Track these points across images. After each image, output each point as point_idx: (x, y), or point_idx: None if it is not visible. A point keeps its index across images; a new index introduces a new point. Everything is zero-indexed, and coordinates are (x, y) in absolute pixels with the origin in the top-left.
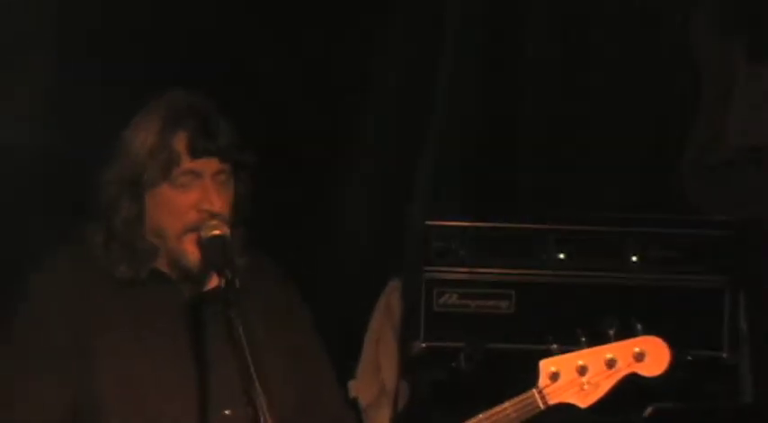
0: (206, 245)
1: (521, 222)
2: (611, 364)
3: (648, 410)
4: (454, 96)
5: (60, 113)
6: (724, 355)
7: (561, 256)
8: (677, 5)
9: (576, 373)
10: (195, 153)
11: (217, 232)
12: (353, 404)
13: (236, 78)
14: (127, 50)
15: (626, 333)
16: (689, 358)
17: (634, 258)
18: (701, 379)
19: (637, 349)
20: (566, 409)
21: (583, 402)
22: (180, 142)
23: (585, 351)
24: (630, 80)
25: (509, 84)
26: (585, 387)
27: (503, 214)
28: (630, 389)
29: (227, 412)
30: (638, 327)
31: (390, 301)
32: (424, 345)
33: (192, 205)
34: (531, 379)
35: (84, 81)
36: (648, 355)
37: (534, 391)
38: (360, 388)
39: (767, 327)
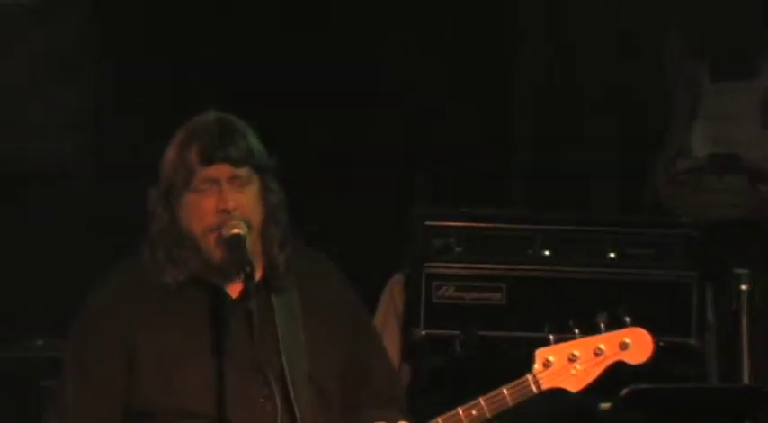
0: (225, 243)
1: (511, 223)
2: (598, 352)
3: (624, 391)
4: (453, 111)
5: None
6: (692, 341)
7: (547, 253)
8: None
9: (567, 361)
10: (205, 161)
11: (234, 231)
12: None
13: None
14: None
15: (615, 325)
16: (661, 344)
17: (612, 255)
18: (672, 362)
19: (623, 340)
20: (557, 393)
21: (573, 387)
22: (194, 154)
23: (576, 341)
24: (611, 100)
25: (505, 102)
26: (576, 373)
27: (494, 216)
28: (607, 370)
29: (261, 400)
30: (627, 320)
31: (394, 292)
32: (423, 332)
33: (211, 208)
34: (519, 362)
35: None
36: (633, 345)
37: (529, 376)
38: None
39: (730, 316)
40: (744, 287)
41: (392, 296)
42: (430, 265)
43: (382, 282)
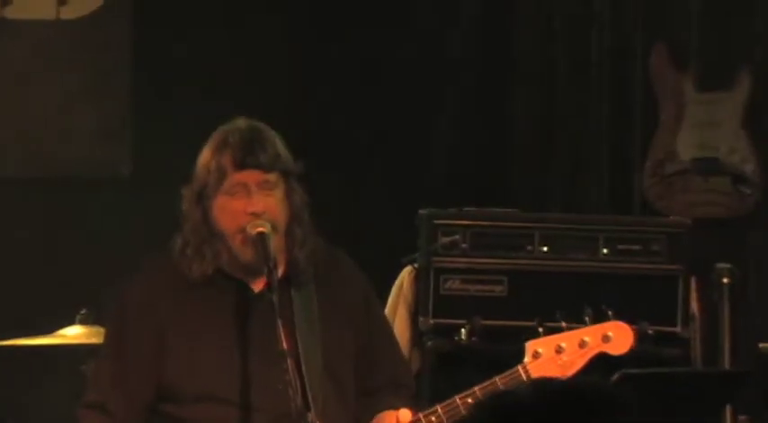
0: (251, 241)
1: (512, 222)
2: (583, 344)
3: (616, 376)
4: (459, 122)
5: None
6: (678, 330)
7: (545, 249)
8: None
9: (554, 352)
10: (237, 166)
11: (258, 230)
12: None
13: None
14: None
15: (599, 319)
16: (649, 332)
17: (605, 251)
18: (660, 349)
19: (606, 333)
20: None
21: (560, 376)
22: (227, 159)
23: (563, 334)
24: (603, 108)
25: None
26: (563, 364)
27: (497, 215)
28: (599, 357)
29: (280, 387)
30: (609, 313)
31: (404, 284)
32: (432, 321)
33: (241, 210)
34: (518, 348)
35: None
36: (615, 338)
37: (520, 367)
38: None
39: (712, 307)
40: (725, 280)
41: (403, 288)
42: (438, 259)
43: (394, 274)
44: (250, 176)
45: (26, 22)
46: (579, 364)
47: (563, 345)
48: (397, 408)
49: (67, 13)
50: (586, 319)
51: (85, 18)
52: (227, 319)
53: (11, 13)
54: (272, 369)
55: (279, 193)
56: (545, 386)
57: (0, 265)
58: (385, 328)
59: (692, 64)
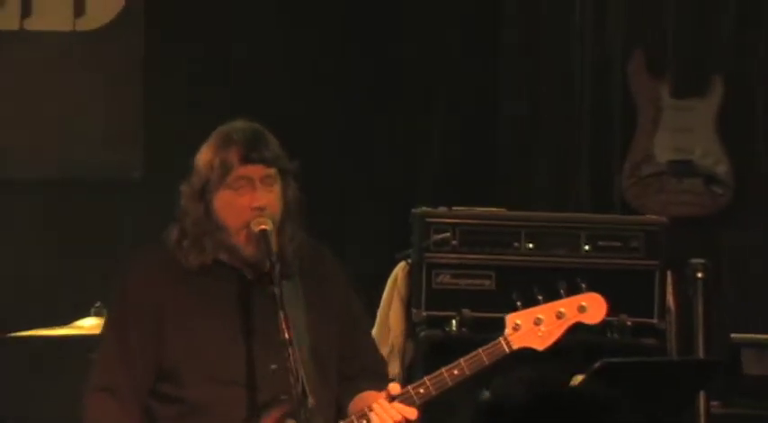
0: (253, 238)
1: (499, 220)
2: (560, 315)
3: (597, 364)
4: (450, 126)
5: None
6: (655, 321)
7: (530, 245)
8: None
9: (533, 324)
10: (242, 160)
11: (261, 227)
12: None
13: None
14: None
15: (574, 291)
16: (628, 324)
17: (586, 247)
18: (638, 340)
19: (581, 303)
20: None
21: (539, 346)
22: (233, 154)
23: (540, 306)
24: (585, 114)
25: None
26: (541, 334)
27: (485, 214)
28: (582, 347)
29: (273, 367)
30: (583, 286)
31: (399, 278)
32: (424, 313)
33: (246, 205)
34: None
35: None
36: (589, 308)
37: (501, 338)
38: None
39: (687, 300)
40: (699, 275)
41: (397, 282)
42: (430, 255)
43: (389, 269)
44: (255, 171)
45: (44, 32)
46: (557, 334)
47: (541, 316)
48: (379, 390)
49: (83, 25)
50: (561, 291)
51: (100, 29)
52: (223, 305)
53: (30, 24)
54: (268, 353)
55: (277, 188)
56: (540, 390)
57: (19, 262)
58: (363, 321)
59: (668, 72)
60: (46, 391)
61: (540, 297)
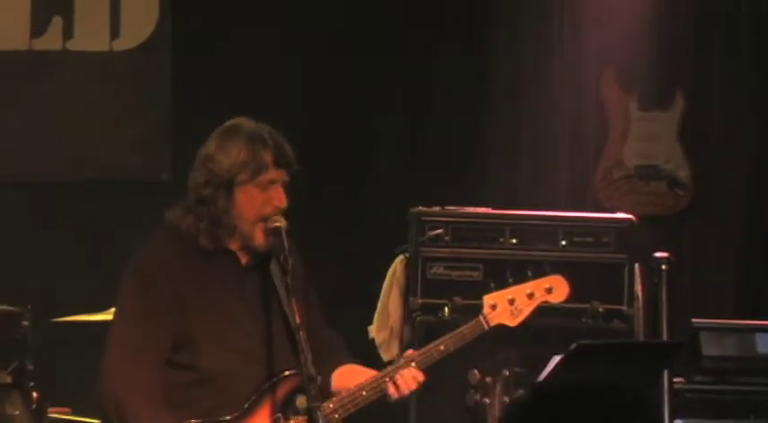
0: (269, 233)
1: (486, 218)
2: (530, 296)
3: (573, 346)
4: (445, 134)
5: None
6: (624, 308)
7: (514, 241)
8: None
9: (507, 304)
10: (276, 165)
11: (276, 224)
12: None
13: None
14: None
15: (540, 274)
16: (600, 310)
17: (563, 242)
18: (609, 324)
19: (546, 285)
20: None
21: (512, 322)
22: (268, 157)
23: (513, 288)
24: (563, 123)
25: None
26: (514, 312)
27: (474, 213)
28: (559, 331)
29: (275, 338)
30: (547, 270)
31: (397, 270)
32: (420, 301)
33: (267, 201)
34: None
35: None
36: (555, 289)
37: (480, 317)
38: (376, 330)
39: (652, 289)
40: (663, 267)
41: (396, 273)
42: (425, 249)
43: (388, 262)
44: (281, 175)
45: (84, 52)
46: (527, 311)
47: (513, 297)
48: (356, 364)
49: (119, 46)
50: (529, 274)
51: (133, 49)
52: (233, 286)
53: (72, 45)
54: (266, 325)
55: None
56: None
57: (62, 254)
58: (318, 305)
59: (636, 87)
60: (86, 375)
61: (510, 280)
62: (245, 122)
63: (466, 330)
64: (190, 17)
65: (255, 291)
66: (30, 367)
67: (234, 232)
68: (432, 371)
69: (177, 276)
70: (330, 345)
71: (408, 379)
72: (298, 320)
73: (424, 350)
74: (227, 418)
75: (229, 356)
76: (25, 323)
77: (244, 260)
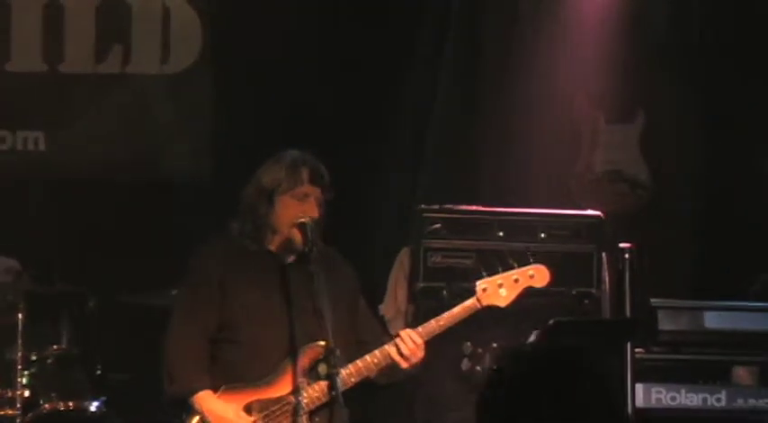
0: (298, 227)
1: (478, 214)
2: (516, 281)
3: (550, 322)
4: (443, 142)
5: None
6: (593, 291)
7: (501, 233)
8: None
9: (497, 288)
10: (310, 181)
11: (303, 220)
12: (381, 319)
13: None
14: None
15: (524, 263)
16: (573, 293)
17: (542, 235)
18: (581, 304)
19: (530, 272)
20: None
21: (502, 304)
22: (305, 173)
23: (501, 275)
24: (545, 135)
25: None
26: (503, 295)
27: (467, 210)
28: (539, 310)
29: (306, 326)
30: (531, 260)
31: (403, 259)
32: (422, 285)
33: (302, 211)
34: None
35: None
36: (537, 276)
37: (474, 298)
38: (385, 309)
39: (618, 275)
40: (627, 256)
41: (402, 261)
42: (426, 241)
43: (395, 252)
44: (315, 191)
45: (139, 75)
46: (513, 295)
47: (502, 282)
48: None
49: (169, 69)
50: (515, 264)
51: (181, 72)
52: (269, 278)
53: (129, 69)
54: (299, 310)
55: (320, 208)
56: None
57: (126, 245)
58: (368, 311)
59: (604, 105)
60: (145, 353)
61: (499, 268)
62: (292, 151)
63: (461, 310)
64: (231, 46)
65: (296, 283)
66: (94, 340)
67: (273, 235)
68: (433, 343)
69: (223, 271)
70: (365, 341)
71: (411, 347)
72: (323, 304)
73: (426, 325)
74: (259, 382)
75: (264, 332)
76: (91, 304)
77: (287, 259)
